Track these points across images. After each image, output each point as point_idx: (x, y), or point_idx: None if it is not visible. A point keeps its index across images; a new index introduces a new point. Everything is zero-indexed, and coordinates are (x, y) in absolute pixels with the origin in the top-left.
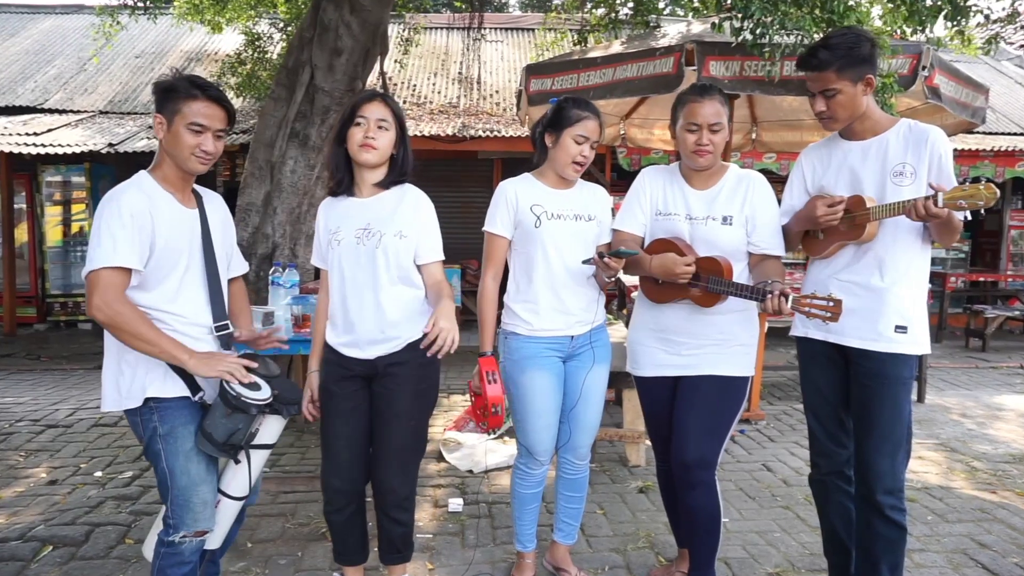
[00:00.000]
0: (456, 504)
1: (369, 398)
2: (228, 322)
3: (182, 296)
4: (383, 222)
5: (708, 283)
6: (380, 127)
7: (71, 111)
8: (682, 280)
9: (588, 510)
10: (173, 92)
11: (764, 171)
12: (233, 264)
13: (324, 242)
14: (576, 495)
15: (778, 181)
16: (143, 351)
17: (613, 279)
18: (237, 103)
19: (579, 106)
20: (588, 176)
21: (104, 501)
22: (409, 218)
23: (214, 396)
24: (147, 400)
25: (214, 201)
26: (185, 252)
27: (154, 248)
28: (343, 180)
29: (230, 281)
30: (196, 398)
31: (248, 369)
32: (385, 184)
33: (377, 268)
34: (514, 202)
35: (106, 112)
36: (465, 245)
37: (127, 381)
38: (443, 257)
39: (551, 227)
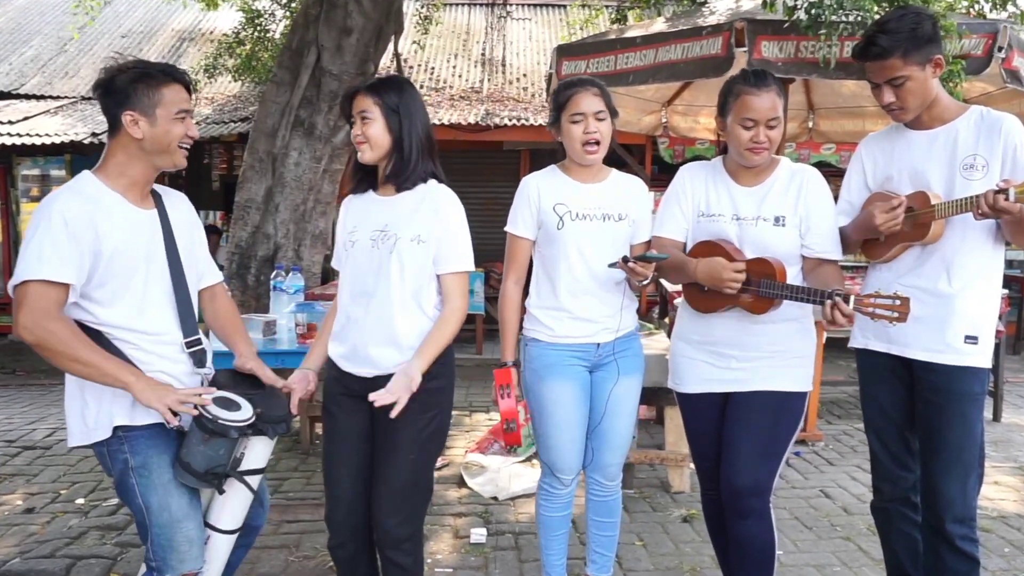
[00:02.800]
0: (479, 535)
1: (373, 423)
2: (201, 337)
3: (148, 310)
4: (401, 224)
5: (760, 287)
6: (363, 118)
7: (50, 96)
8: (729, 291)
9: (626, 541)
10: (147, 82)
11: (822, 163)
12: (204, 272)
13: (341, 242)
14: (607, 520)
15: (837, 174)
16: (82, 375)
17: (645, 285)
18: (235, 88)
19: (568, 85)
20: (627, 169)
21: (87, 531)
22: (429, 220)
23: (191, 421)
24: (114, 429)
25: (177, 201)
26: (142, 259)
27: (100, 257)
28: (363, 179)
29: (213, 296)
30: (171, 425)
31: (231, 383)
32: (396, 181)
33: (390, 275)
34: (536, 200)
35: (89, 98)
36: (489, 246)
37: (93, 411)
38: (469, 268)
39: (575, 228)
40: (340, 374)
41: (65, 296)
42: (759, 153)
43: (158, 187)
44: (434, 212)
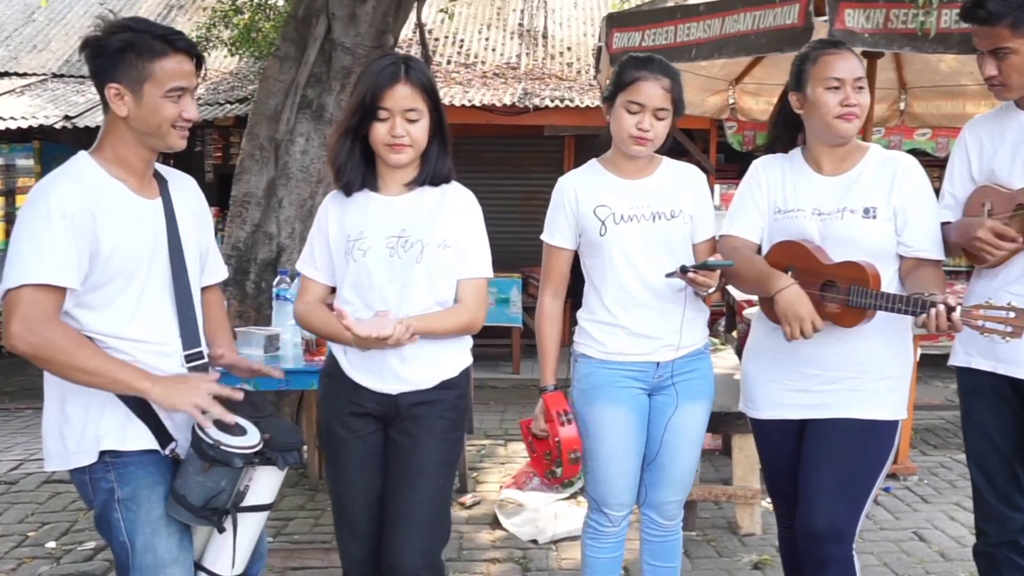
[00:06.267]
0: None
1: (385, 446)
2: (203, 349)
3: (142, 315)
4: (422, 228)
5: (849, 295)
6: (410, 120)
7: (15, 74)
8: (788, 333)
9: None
10: (132, 52)
11: (915, 151)
12: (209, 267)
13: (337, 248)
14: (665, 566)
15: (933, 164)
16: (89, 384)
17: (711, 293)
18: (232, 64)
19: (637, 65)
20: (689, 158)
21: None
22: (452, 223)
23: (188, 447)
24: (101, 454)
25: (183, 186)
26: (145, 258)
27: (98, 256)
28: (354, 181)
29: (204, 289)
30: (167, 451)
31: (230, 405)
32: (421, 182)
33: (417, 286)
34: (573, 204)
35: (61, 75)
36: (527, 248)
37: (75, 431)
38: (489, 275)
39: (620, 233)
40: (354, 390)
41: (62, 300)
42: (851, 120)
43: (163, 168)
44: (458, 213)
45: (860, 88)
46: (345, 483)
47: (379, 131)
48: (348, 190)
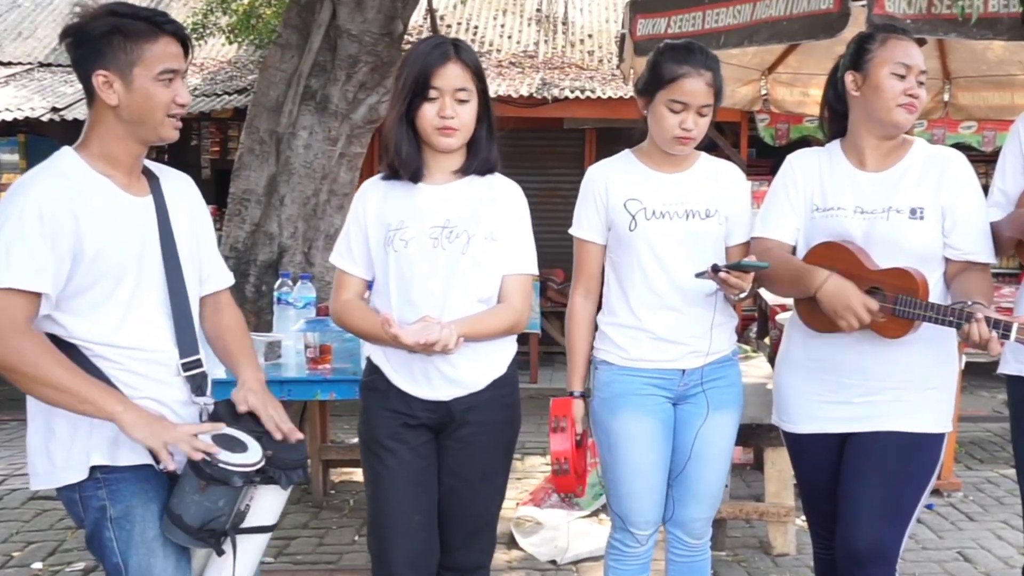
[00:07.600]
0: None
1: (437, 455)
2: (201, 357)
3: (132, 321)
4: (469, 219)
5: (896, 304)
6: (460, 100)
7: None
8: (845, 326)
9: None
10: (119, 35)
11: (960, 146)
12: (210, 273)
13: (375, 239)
14: None
15: (980, 159)
16: (55, 403)
17: (743, 298)
18: (230, 52)
19: (677, 58)
20: (718, 152)
21: None
22: (501, 216)
23: (185, 464)
24: (91, 470)
25: (177, 183)
26: (133, 260)
27: (81, 258)
28: (419, 168)
29: (217, 305)
30: (161, 466)
31: (226, 421)
32: (469, 170)
33: (463, 280)
34: (603, 196)
35: (48, 64)
36: (545, 249)
37: (63, 445)
38: (535, 272)
39: (650, 229)
40: (403, 400)
41: (37, 307)
42: (912, 111)
43: (153, 165)
44: (507, 206)
45: (922, 82)
46: (400, 501)
47: (428, 113)
48: (416, 177)
